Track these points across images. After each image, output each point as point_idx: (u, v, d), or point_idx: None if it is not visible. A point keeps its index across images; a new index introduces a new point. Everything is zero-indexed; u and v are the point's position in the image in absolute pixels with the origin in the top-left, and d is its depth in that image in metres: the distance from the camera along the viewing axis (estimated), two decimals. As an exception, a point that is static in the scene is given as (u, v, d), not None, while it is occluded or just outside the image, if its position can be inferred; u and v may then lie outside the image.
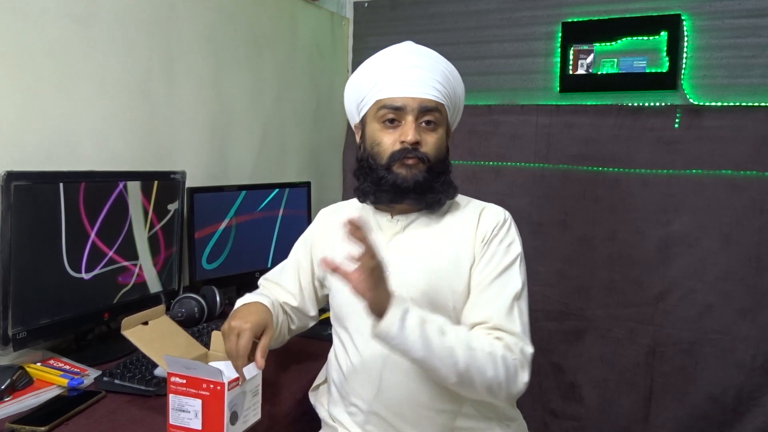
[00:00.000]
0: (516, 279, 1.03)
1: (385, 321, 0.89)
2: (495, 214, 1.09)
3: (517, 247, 1.07)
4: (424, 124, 1.06)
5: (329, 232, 1.21)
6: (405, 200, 1.08)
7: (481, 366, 0.93)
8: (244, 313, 1.05)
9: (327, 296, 1.24)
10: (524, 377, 0.97)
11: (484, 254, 1.05)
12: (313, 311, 1.26)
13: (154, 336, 1.04)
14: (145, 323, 1.06)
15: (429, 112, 1.06)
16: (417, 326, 0.90)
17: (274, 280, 1.26)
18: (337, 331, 1.17)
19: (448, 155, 1.13)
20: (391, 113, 1.06)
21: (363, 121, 1.14)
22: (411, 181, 1.05)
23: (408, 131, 1.04)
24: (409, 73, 1.06)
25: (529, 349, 0.99)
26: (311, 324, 1.29)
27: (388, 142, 1.06)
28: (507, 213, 1.11)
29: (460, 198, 1.16)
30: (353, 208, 1.21)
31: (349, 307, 1.10)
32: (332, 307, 1.17)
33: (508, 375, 0.94)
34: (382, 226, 1.14)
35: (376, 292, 0.89)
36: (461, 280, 1.05)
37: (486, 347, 0.94)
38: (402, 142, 1.05)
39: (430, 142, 1.06)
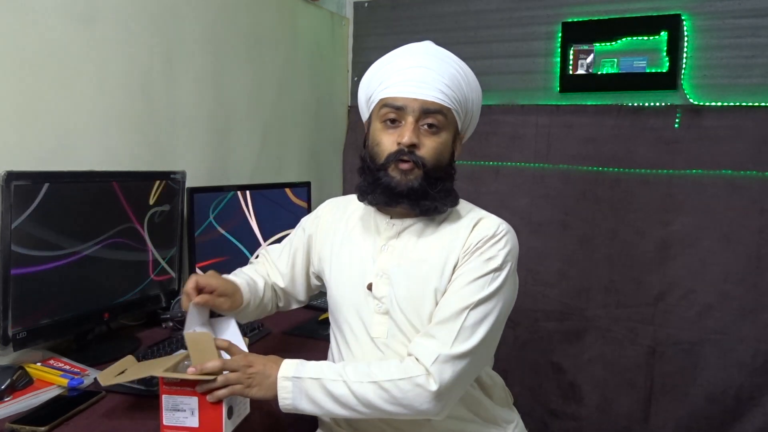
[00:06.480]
0: (478, 291, 0.98)
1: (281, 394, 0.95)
2: (488, 227, 1.04)
3: (496, 262, 1.00)
4: (426, 127, 1.02)
5: (330, 228, 1.19)
6: (399, 205, 1.05)
7: (371, 400, 0.94)
8: (213, 274, 1.11)
9: (321, 286, 1.25)
10: (430, 387, 0.93)
11: (463, 264, 1.02)
12: (301, 296, 1.27)
13: (132, 368, 1.03)
14: (121, 373, 1.03)
15: (431, 115, 1.01)
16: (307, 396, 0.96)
17: (270, 257, 1.27)
18: (333, 329, 1.17)
19: (452, 162, 1.08)
20: (392, 113, 1.03)
21: (369, 119, 1.11)
22: (405, 187, 1.02)
23: (405, 132, 1.01)
24: (412, 73, 1.02)
25: (430, 359, 0.93)
26: (296, 306, 1.30)
27: (387, 142, 1.04)
28: (503, 226, 1.05)
29: (463, 205, 1.12)
30: (356, 205, 1.19)
31: (343, 307, 1.10)
32: (329, 305, 1.17)
33: (404, 397, 0.93)
34: (380, 228, 1.12)
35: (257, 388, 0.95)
36: (444, 289, 1.03)
37: (369, 379, 0.94)
38: (399, 143, 1.02)
39: (429, 146, 1.02)
